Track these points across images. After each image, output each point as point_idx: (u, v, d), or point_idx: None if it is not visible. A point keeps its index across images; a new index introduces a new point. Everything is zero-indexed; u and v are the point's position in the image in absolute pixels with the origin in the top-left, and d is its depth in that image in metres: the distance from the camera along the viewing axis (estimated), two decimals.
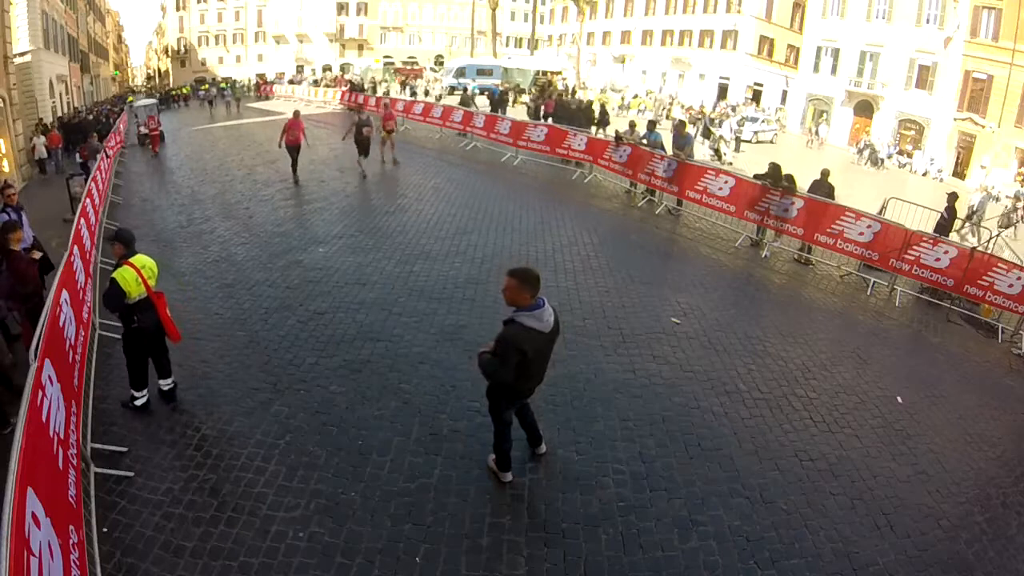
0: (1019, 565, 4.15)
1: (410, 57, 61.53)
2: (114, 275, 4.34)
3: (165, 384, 5.07)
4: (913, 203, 10.51)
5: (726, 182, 10.99)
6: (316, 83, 43.29)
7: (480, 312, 6.99)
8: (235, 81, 46.56)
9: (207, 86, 47.51)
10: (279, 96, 40.28)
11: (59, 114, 25.27)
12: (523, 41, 60.70)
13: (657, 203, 12.40)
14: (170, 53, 64.19)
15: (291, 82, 46.15)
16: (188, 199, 12.40)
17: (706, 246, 10.35)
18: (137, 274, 4.50)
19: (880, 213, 10.26)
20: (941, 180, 27.60)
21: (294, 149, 13.36)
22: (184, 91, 46.26)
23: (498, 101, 23.21)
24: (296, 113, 13.72)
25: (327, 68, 58.62)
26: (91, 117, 25.41)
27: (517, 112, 23.89)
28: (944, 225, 9.98)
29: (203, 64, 60.56)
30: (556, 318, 3.85)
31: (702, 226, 11.35)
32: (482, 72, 38.82)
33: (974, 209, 14.48)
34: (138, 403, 4.92)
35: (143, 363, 4.85)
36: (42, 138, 18.86)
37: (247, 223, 10.39)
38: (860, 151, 29.54)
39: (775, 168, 10.54)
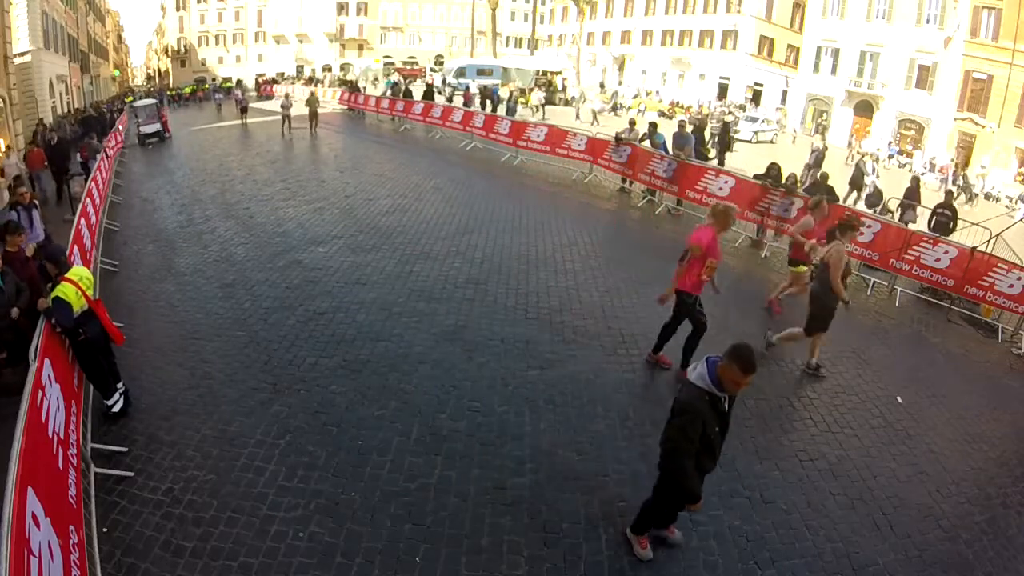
0: (1019, 565, 4.15)
1: (410, 57, 61.57)
2: (55, 294, 4.30)
3: (117, 394, 4.96)
4: (912, 203, 10.52)
5: (726, 182, 10.99)
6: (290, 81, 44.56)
7: (480, 312, 6.99)
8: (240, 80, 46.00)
9: (206, 86, 47.19)
10: (279, 96, 40.22)
11: (51, 118, 22.39)
12: (523, 41, 60.72)
13: (657, 203, 12.40)
14: (170, 53, 64.20)
15: (275, 82, 45.73)
16: (188, 199, 12.39)
17: None
18: (76, 288, 4.44)
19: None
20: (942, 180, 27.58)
21: (695, 315, 5.63)
22: (188, 91, 45.53)
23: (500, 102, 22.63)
24: (723, 214, 5.41)
25: (327, 68, 58.76)
26: (96, 114, 25.40)
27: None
28: (944, 224, 9.98)
29: (203, 64, 60.58)
30: (681, 390, 3.37)
31: None
32: (482, 72, 38.86)
33: (809, 163, 14.80)
34: (115, 409, 4.88)
35: (102, 371, 4.80)
36: (14, 157, 13.45)
37: (247, 223, 10.39)
38: (953, 183, 24.71)
39: (775, 168, 10.54)
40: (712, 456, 3.36)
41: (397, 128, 22.80)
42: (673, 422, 3.27)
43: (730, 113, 33.68)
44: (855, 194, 14.88)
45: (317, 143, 19.44)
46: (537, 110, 28.36)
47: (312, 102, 21.59)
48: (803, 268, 7.21)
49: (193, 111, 36.13)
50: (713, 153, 14.71)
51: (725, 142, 15.98)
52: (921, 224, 10.67)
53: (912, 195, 11.98)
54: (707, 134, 15.04)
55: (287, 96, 23.75)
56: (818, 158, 14.58)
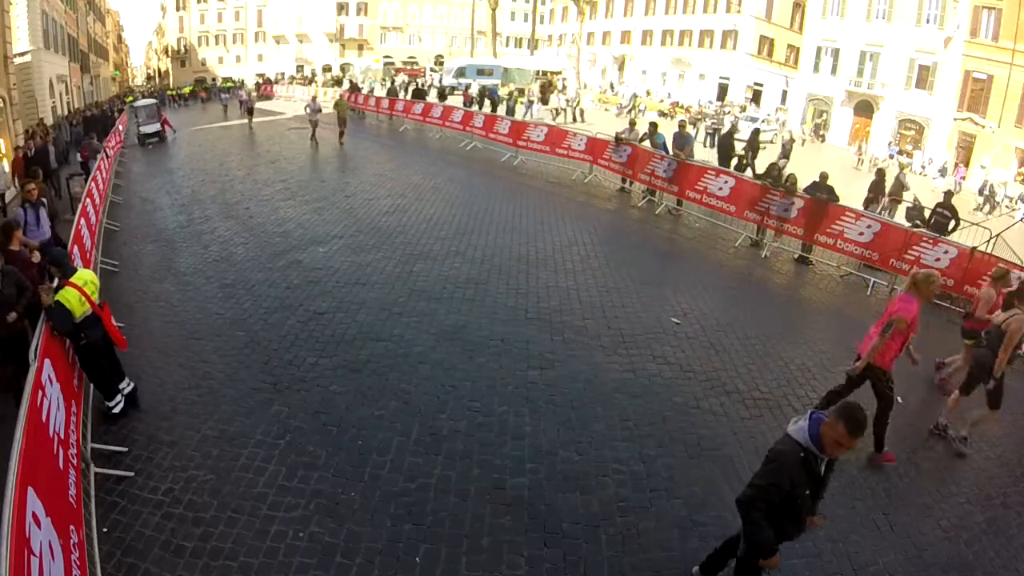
0: (1019, 565, 4.15)
1: (410, 57, 61.60)
2: (57, 298, 4.28)
3: (125, 387, 5.02)
4: (912, 203, 10.51)
5: (726, 182, 11.00)
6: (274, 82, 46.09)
7: (480, 312, 6.99)
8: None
9: (207, 85, 47.22)
10: (279, 96, 40.31)
11: (51, 118, 21.38)
12: (523, 41, 60.73)
13: (657, 203, 12.41)
14: (170, 53, 64.20)
15: (272, 82, 46.25)
16: (188, 199, 12.39)
17: (706, 246, 10.35)
18: (79, 292, 4.41)
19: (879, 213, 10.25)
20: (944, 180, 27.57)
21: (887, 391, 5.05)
22: (188, 91, 45.53)
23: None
24: (925, 283, 4.80)
25: (327, 68, 58.82)
26: (99, 113, 25.42)
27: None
28: (943, 224, 9.97)
29: (203, 64, 60.60)
30: (778, 441, 3.05)
31: (702, 226, 11.35)
32: (482, 72, 38.91)
33: (779, 155, 14.91)
34: (115, 410, 4.88)
35: (104, 373, 4.80)
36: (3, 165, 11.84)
37: (247, 223, 10.39)
38: (980, 192, 25.14)
39: (776, 168, 10.55)
40: (797, 521, 3.01)
41: (397, 128, 22.81)
42: (759, 470, 3.00)
43: (729, 113, 33.66)
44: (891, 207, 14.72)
45: (322, 144, 19.38)
46: (557, 114, 26.62)
47: (341, 107, 19.19)
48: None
49: (196, 111, 36.09)
50: (748, 159, 14.63)
51: (755, 146, 15.97)
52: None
53: (876, 188, 12.05)
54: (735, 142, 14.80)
55: (314, 99, 20.72)
56: (786, 150, 14.64)
